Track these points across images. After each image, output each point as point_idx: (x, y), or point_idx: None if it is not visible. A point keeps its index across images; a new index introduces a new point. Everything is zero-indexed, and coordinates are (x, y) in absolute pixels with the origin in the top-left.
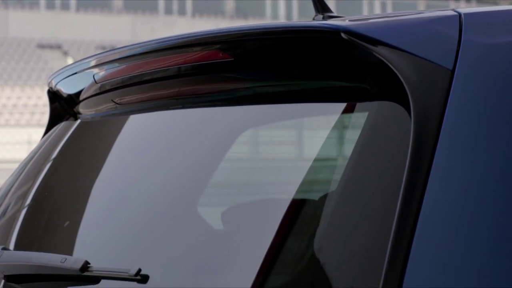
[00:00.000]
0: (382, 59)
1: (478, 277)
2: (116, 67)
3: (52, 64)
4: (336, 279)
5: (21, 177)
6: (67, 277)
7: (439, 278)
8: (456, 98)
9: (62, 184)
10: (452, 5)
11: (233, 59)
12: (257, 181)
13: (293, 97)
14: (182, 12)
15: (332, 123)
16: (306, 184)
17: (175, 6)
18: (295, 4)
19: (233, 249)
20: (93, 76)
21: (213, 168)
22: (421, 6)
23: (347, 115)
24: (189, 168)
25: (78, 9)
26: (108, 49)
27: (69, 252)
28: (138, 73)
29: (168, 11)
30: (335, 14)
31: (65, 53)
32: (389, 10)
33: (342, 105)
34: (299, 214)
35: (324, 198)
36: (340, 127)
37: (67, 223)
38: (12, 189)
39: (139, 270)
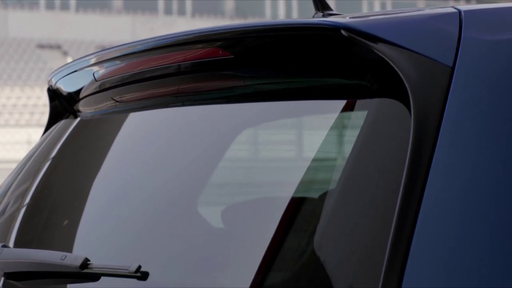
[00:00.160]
0: (382, 56)
1: (478, 275)
2: (116, 65)
3: (51, 64)
4: (336, 277)
5: (21, 175)
6: (67, 274)
7: (439, 275)
8: (456, 95)
9: (61, 182)
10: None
11: (233, 56)
12: (257, 179)
13: (293, 95)
14: (181, 12)
15: (332, 121)
16: (306, 181)
17: (174, 6)
18: (294, 4)
19: (233, 247)
20: (93, 74)
21: (213, 166)
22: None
23: (347, 112)
24: (189, 166)
25: (77, 9)
26: (108, 47)
27: (69, 249)
28: (138, 71)
29: (168, 11)
30: (335, 12)
31: (65, 53)
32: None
33: (342, 103)
34: (299, 212)
35: (324, 195)
36: (340, 125)
37: (66, 221)
38: (12, 187)
39: (139, 267)
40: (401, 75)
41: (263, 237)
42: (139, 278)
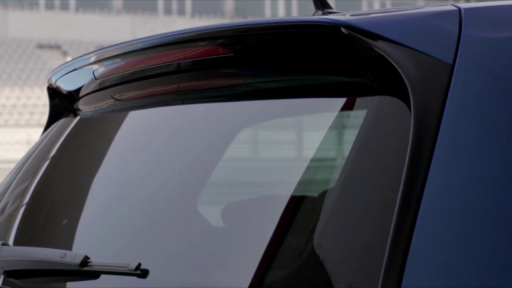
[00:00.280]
0: (382, 53)
1: (478, 274)
2: (116, 63)
3: (51, 64)
4: (335, 275)
5: (20, 173)
6: (67, 272)
7: (439, 274)
8: (456, 92)
9: (61, 180)
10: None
11: (233, 54)
12: (257, 177)
13: (293, 93)
14: (181, 12)
15: (332, 118)
16: (306, 179)
17: (174, 6)
18: (294, 4)
19: (232, 245)
20: (93, 72)
21: (213, 164)
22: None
23: (347, 110)
24: (189, 165)
25: (77, 9)
26: (108, 46)
27: (69, 248)
28: (138, 69)
29: (168, 11)
30: (334, 10)
31: (65, 53)
32: None
33: (342, 100)
34: (300, 211)
35: (324, 194)
36: (340, 123)
37: (66, 219)
38: (12, 186)
39: (139, 264)
40: (401, 73)
41: (263, 235)
42: (139, 276)
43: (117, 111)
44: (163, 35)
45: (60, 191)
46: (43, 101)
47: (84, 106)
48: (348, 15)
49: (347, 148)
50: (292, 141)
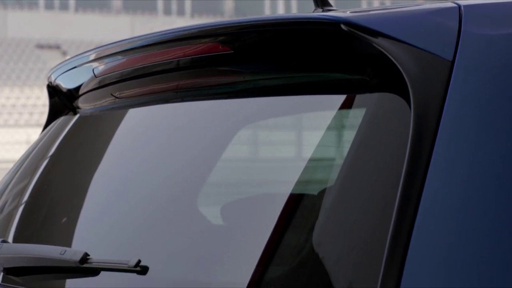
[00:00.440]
0: (382, 50)
1: (477, 271)
2: (115, 61)
3: (51, 64)
4: (335, 272)
5: (20, 171)
6: (67, 269)
7: (439, 271)
8: (456, 89)
9: (61, 178)
10: None
11: (232, 51)
12: (257, 175)
13: (293, 90)
14: (181, 12)
15: (332, 116)
16: (305, 177)
17: (174, 6)
18: (294, 4)
19: (232, 243)
20: (93, 70)
21: (213, 162)
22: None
23: (346, 107)
24: (188, 162)
25: (77, 9)
26: (107, 43)
27: (68, 245)
28: (137, 67)
29: (167, 11)
30: (334, 8)
31: (64, 53)
32: None
33: (341, 97)
34: (299, 209)
35: (324, 192)
36: (339, 120)
37: (66, 217)
38: (12, 184)
39: (139, 261)
40: (401, 69)
41: (263, 233)
42: (138, 273)
43: (116, 109)
44: (163, 33)
45: (60, 189)
46: (43, 101)
47: (84, 104)
48: (348, 12)
49: (347, 145)
50: (291, 138)
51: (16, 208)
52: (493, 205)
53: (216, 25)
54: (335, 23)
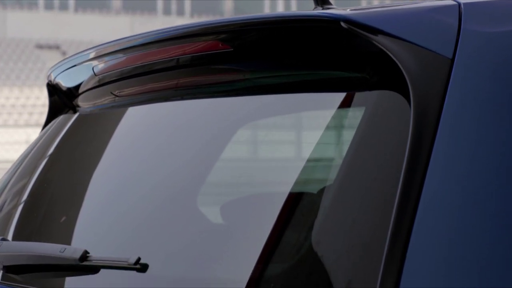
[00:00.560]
0: (382, 48)
1: (477, 268)
2: (115, 59)
3: (50, 64)
4: (335, 270)
5: (20, 169)
6: (66, 267)
7: (439, 268)
8: (455, 87)
9: (60, 176)
10: None
11: (232, 49)
12: (257, 172)
13: (293, 88)
14: (180, 12)
15: (332, 114)
16: (305, 176)
17: (173, 6)
18: (293, 4)
19: (232, 241)
20: (92, 68)
21: (213, 161)
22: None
23: (346, 105)
24: (188, 161)
25: (76, 9)
26: (107, 42)
27: (68, 244)
28: (137, 65)
29: (167, 11)
30: (334, 7)
31: (64, 53)
32: None
33: (341, 95)
34: (299, 207)
35: (323, 190)
36: (339, 118)
37: (66, 215)
38: (11, 182)
39: (139, 258)
40: (400, 67)
41: (262, 232)
42: (138, 270)
43: (116, 107)
44: (163, 31)
45: (60, 187)
46: (42, 101)
47: (84, 103)
48: (348, 10)
49: (347, 143)
50: (291, 136)
51: (15, 206)
52: (493, 202)
53: (216, 23)
54: (335, 20)
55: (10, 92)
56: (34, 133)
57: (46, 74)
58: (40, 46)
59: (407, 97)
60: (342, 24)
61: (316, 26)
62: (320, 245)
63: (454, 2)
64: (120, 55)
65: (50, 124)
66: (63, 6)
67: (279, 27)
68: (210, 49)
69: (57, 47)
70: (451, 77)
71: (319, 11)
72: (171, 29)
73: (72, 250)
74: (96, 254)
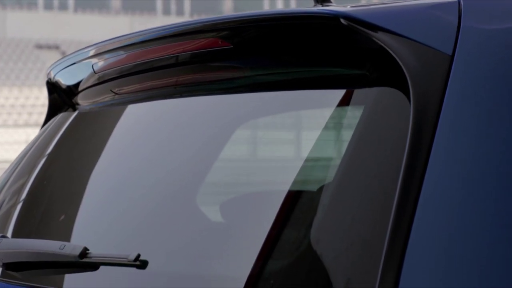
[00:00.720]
0: (382, 44)
1: (477, 264)
2: (115, 57)
3: (49, 65)
4: (334, 267)
5: (19, 167)
6: (66, 264)
7: (439, 266)
8: (455, 83)
9: (60, 174)
10: None
11: (232, 46)
12: (257, 170)
13: (292, 85)
14: (180, 12)
15: (332, 110)
16: (305, 173)
17: (173, 6)
18: (293, 4)
19: (231, 239)
20: (92, 66)
21: (212, 159)
22: None
23: (345, 102)
24: (188, 159)
25: (76, 9)
26: (106, 39)
27: (68, 241)
28: (137, 63)
29: (166, 11)
30: (334, 4)
31: (63, 53)
32: None
33: (341, 92)
34: (299, 205)
35: (323, 187)
36: (339, 115)
37: (65, 213)
38: (11, 180)
39: (138, 255)
40: (400, 64)
41: (261, 230)
42: (138, 267)
43: (116, 105)
44: (162, 28)
45: (59, 185)
46: (42, 101)
47: (83, 100)
48: (348, 7)
49: (346, 140)
50: (290, 134)
51: (15, 204)
52: (493, 199)
53: (216, 20)
54: (335, 17)
55: (9, 92)
56: (33, 133)
57: (45, 74)
58: (39, 46)
59: (407, 94)
60: (342, 20)
61: (315, 23)
62: (320, 243)
63: None
64: (119, 52)
65: (49, 122)
66: (63, 6)
67: (278, 24)
68: (209, 46)
69: (56, 47)
70: (451, 74)
71: (319, 7)
72: (171, 26)
73: (72, 247)
74: (96, 251)
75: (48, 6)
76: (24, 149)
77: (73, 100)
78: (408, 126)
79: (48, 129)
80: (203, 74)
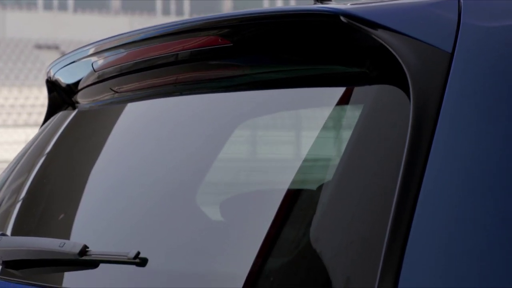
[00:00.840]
0: (382, 42)
1: (477, 263)
2: (114, 55)
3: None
4: (334, 265)
5: (19, 165)
6: (66, 262)
7: (438, 263)
8: (455, 81)
9: (60, 172)
10: None
11: (232, 44)
12: (255, 168)
13: (292, 83)
14: (179, 12)
15: (331, 109)
16: (304, 171)
17: (172, 6)
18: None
19: (231, 237)
20: (92, 64)
21: (212, 157)
22: None
23: (345, 100)
24: (188, 157)
25: (75, 9)
26: (106, 38)
27: (67, 239)
28: (137, 61)
29: (166, 11)
30: (334, 3)
31: (63, 54)
32: None
33: (341, 90)
34: (299, 203)
35: (322, 185)
36: (339, 113)
37: (65, 211)
38: (11, 178)
39: (138, 253)
40: (400, 61)
41: (261, 228)
42: (138, 265)
43: (115, 103)
44: (162, 26)
45: (59, 183)
46: (41, 101)
47: (83, 99)
48: (348, 4)
49: (346, 138)
50: (290, 132)
51: (15, 202)
52: (493, 196)
53: (215, 18)
54: (334, 15)
55: (9, 92)
56: (32, 133)
57: (45, 74)
58: (39, 46)
59: (406, 92)
60: (342, 18)
61: (315, 20)
62: (319, 241)
63: None
64: (119, 51)
65: (49, 121)
66: (62, 6)
67: (278, 22)
68: (209, 44)
69: (56, 47)
70: (451, 71)
71: (319, 5)
72: (170, 24)
73: (72, 244)
74: (96, 249)
75: (48, 6)
76: (24, 147)
77: (73, 99)
78: (408, 123)
79: (48, 127)
80: (203, 72)
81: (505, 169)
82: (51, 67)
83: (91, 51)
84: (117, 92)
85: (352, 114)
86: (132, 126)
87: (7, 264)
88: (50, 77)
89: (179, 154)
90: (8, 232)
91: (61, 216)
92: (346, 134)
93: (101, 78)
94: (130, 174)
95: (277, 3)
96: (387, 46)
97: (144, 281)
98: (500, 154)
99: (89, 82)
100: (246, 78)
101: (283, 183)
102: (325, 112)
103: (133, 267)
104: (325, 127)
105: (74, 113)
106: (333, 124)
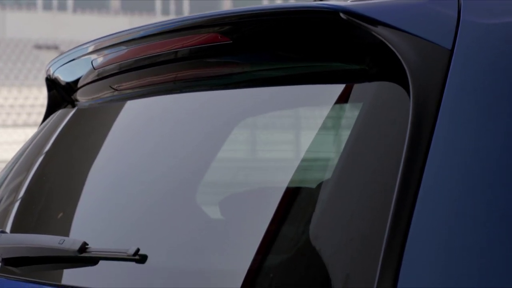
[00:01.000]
0: (382, 39)
1: (477, 259)
2: (114, 53)
3: None
4: (333, 263)
5: (19, 163)
6: (65, 259)
7: (438, 260)
8: (455, 78)
9: (59, 170)
10: None
11: (231, 42)
12: (255, 166)
13: (292, 80)
14: (179, 12)
15: (331, 106)
16: (304, 169)
17: (172, 6)
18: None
19: (230, 235)
20: (91, 62)
21: (212, 155)
22: None
23: (345, 97)
24: (187, 155)
25: (75, 9)
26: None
27: (67, 236)
28: (136, 58)
29: (165, 11)
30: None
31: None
32: None
33: (340, 87)
34: (298, 201)
35: (322, 183)
36: (338, 110)
37: (65, 209)
38: (10, 175)
39: (138, 250)
40: (400, 58)
41: (261, 226)
42: (137, 261)
43: (115, 101)
44: (162, 24)
45: (58, 181)
46: (41, 101)
47: (83, 97)
48: (348, 1)
49: (346, 135)
50: (290, 131)
51: (15, 199)
52: (493, 193)
53: (215, 16)
54: (334, 11)
55: (8, 92)
56: (32, 133)
57: (44, 74)
58: (38, 46)
59: (406, 88)
60: (342, 15)
61: (315, 17)
62: (319, 238)
63: None
64: (119, 48)
65: (49, 119)
66: (62, 7)
67: (278, 19)
68: (209, 42)
69: (55, 47)
70: (451, 68)
71: (318, 2)
72: (170, 22)
73: (71, 241)
74: (96, 246)
75: (47, 6)
76: (24, 145)
77: (72, 97)
78: (408, 120)
79: (47, 125)
80: (202, 70)
81: (505, 166)
82: (51, 65)
83: (91, 49)
84: (116, 90)
85: (352, 111)
86: (132, 124)
87: (7, 261)
88: (49, 75)
89: (179, 151)
90: (8, 229)
91: (61, 213)
92: (346, 131)
93: (101, 76)
94: (130, 171)
95: (277, 2)
96: (387, 43)
97: (143, 278)
98: (500, 151)
99: (88, 80)
100: (246, 75)
101: (283, 180)
102: (325, 109)
103: (132, 264)
104: (324, 124)
105: (73, 111)
106: (333, 121)
